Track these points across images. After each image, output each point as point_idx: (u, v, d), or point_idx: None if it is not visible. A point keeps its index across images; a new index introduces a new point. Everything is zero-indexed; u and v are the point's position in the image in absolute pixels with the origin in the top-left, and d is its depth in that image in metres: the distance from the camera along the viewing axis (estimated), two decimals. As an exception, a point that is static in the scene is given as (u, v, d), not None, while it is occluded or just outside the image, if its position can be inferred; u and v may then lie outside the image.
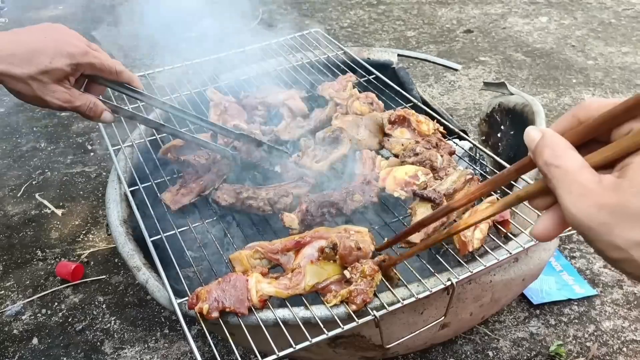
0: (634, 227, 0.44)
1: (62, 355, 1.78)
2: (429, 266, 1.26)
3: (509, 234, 1.30)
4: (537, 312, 1.79)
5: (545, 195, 0.54)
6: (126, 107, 1.39)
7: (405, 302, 1.18)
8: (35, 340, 1.83)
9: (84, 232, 2.27)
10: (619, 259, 0.46)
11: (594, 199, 0.46)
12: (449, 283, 1.21)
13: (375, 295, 1.20)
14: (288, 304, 1.21)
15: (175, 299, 1.24)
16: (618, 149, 0.48)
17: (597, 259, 1.97)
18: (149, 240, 1.37)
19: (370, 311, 1.16)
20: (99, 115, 1.28)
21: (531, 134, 0.53)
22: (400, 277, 1.24)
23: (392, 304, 1.18)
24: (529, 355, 1.66)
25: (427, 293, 1.20)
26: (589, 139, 0.52)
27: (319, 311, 1.19)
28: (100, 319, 1.89)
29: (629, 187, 0.45)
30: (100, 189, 2.47)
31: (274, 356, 1.09)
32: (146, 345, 1.78)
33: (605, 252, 0.47)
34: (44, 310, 1.93)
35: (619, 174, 0.47)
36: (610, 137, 0.51)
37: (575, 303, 1.82)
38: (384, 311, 1.16)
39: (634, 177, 0.45)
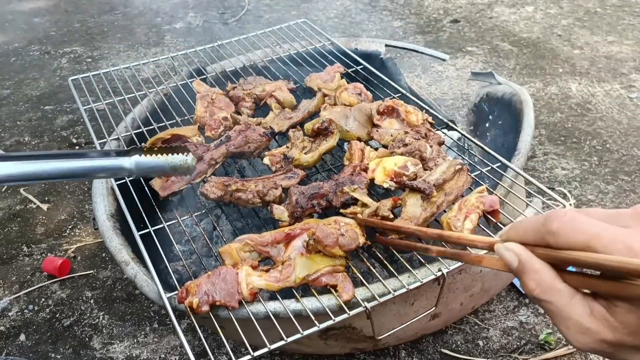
0: (634, 354, 0.49)
1: (50, 351, 1.76)
2: (419, 257, 1.26)
3: (498, 223, 1.30)
4: (527, 301, 1.80)
5: None
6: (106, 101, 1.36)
7: (396, 293, 1.18)
8: (22, 337, 1.81)
9: (70, 226, 2.24)
10: None
11: (594, 337, 0.49)
12: (439, 273, 1.21)
13: (366, 286, 1.20)
14: (279, 297, 1.21)
15: (165, 293, 1.23)
16: (607, 289, 0.50)
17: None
18: (136, 234, 1.36)
19: (361, 302, 1.16)
20: None
21: (507, 258, 0.55)
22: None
23: (383, 295, 1.18)
24: (518, 344, 1.67)
25: (418, 284, 1.19)
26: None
27: (309, 303, 1.19)
28: (88, 315, 1.87)
29: (622, 329, 0.48)
30: (86, 183, 2.44)
31: (265, 349, 1.08)
32: (135, 340, 1.77)
33: None
34: (30, 307, 1.91)
35: (608, 311, 0.49)
36: None
37: (564, 291, 1.83)
38: (374, 302, 1.16)
39: (624, 321, 0.48)
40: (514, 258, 0.54)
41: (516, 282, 1.83)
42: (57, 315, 1.87)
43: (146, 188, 1.50)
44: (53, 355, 1.75)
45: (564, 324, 0.51)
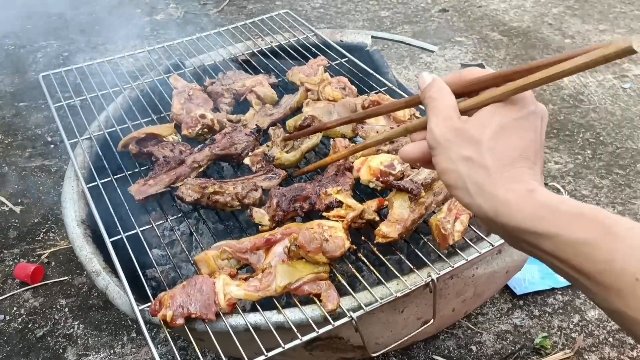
0: (465, 147, 0.62)
1: (22, 363, 1.67)
2: (407, 262, 1.19)
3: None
4: (521, 302, 1.73)
5: (423, 130, 0.69)
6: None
7: (384, 301, 1.11)
8: (-7, 348, 1.72)
9: (44, 230, 2.14)
10: (447, 170, 0.63)
11: (450, 124, 0.64)
12: (429, 279, 1.14)
13: (352, 295, 1.13)
14: (259, 307, 1.13)
15: (138, 305, 1.15)
16: (472, 102, 0.66)
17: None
18: (108, 242, 1.28)
19: (346, 312, 1.09)
20: None
21: (425, 78, 0.70)
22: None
23: (370, 303, 1.11)
24: (513, 348, 1.61)
25: (407, 291, 1.13)
26: (465, 92, 0.69)
27: (292, 314, 1.12)
28: (62, 324, 1.78)
29: (471, 122, 0.64)
30: (61, 183, 2.33)
31: (244, 365, 1.01)
32: (112, 351, 1.69)
33: (440, 164, 0.64)
34: (1, 316, 1.82)
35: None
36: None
37: (559, 292, 1.76)
38: (361, 312, 1.10)
39: (477, 117, 0.64)
40: (429, 78, 0.69)
41: (509, 282, 1.76)
42: (29, 325, 1.78)
43: (119, 191, 1.41)
44: (25, 367, 1.66)
45: (437, 113, 0.65)
